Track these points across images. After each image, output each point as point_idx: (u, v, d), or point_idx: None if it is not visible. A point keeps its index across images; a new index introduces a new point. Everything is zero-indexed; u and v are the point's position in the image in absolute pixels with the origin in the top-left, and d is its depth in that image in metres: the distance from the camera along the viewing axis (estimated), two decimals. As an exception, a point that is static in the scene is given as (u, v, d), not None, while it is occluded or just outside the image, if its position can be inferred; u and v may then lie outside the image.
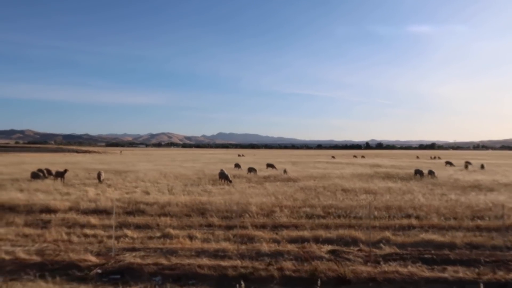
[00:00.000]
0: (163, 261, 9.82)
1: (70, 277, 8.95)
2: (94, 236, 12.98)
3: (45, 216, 16.19)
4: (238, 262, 9.72)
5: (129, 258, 10.15)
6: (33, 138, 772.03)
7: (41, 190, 23.17)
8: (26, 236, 13.03)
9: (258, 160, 71.86)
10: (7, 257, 10.25)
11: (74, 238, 12.58)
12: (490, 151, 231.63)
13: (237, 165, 44.17)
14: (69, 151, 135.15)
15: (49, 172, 31.65)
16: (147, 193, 22.23)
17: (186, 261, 9.84)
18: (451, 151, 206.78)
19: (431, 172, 33.74)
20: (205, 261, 9.80)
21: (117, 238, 12.71)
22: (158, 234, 13.15)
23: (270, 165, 43.96)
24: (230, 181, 27.83)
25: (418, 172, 33.65)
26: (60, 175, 28.49)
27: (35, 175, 28.85)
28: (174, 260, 9.91)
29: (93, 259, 10.02)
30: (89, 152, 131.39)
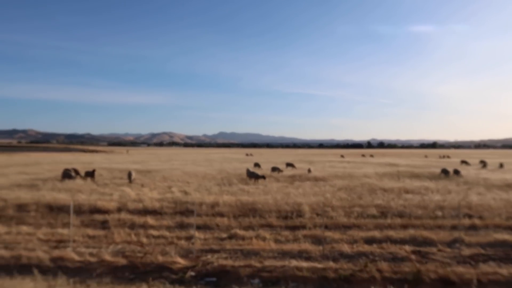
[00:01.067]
0: (255, 263, 9.70)
1: (166, 279, 8.81)
2: (162, 237, 12.88)
3: (98, 217, 16.09)
4: (331, 264, 9.60)
5: (215, 260, 10.03)
6: (35, 137, 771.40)
7: (78, 190, 23.07)
8: (91, 237, 12.94)
9: (270, 159, 71.66)
10: (92, 259, 10.14)
11: (143, 239, 12.47)
12: (493, 150, 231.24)
13: (257, 165, 44.05)
14: (76, 150, 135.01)
15: (76, 172, 31.50)
16: (186, 193, 22.09)
17: (278, 263, 9.72)
18: (455, 150, 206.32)
19: (456, 172, 33.63)
20: (301, 263, 9.67)
21: (187, 239, 12.62)
22: (225, 235, 13.03)
23: (289, 164, 43.82)
24: (264, 178, 27.84)
25: (444, 171, 33.50)
26: (90, 175, 28.37)
27: (66, 175, 28.70)
28: (266, 262, 9.79)
29: (182, 261, 9.91)
30: (96, 151, 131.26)
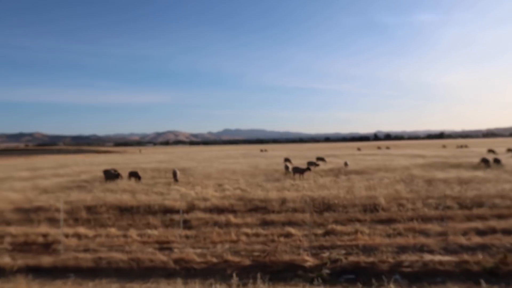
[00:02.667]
0: (388, 259, 9.48)
1: (301, 278, 8.61)
2: (256, 235, 12.68)
3: (175, 216, 15.93)
4: (466, 257, 9.38)
5: (342, 256, 9.83)
6: (42, 140, 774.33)
7: (131, 190, 22.96)
8: (185, 237, 12.74)
9: (288, 154, 71.11)
10: (214, 259, 9.97)
11: (243, 238, 12.30)
12: (503, 139, 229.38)
13: (287, 160, 43.77)
14: (89, 151, 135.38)
15: (116, 173, 31.44)
16: (242, 190, 21.88)
17: (412, 257, 9.51)
18: (464, 140, 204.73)
19: (497, 160, 33.27)
20: (435, 257, 9.45)
21: (284, 236, 12.44)
22: (320, 231, 12.82)
23: (320, 159, 43.53)
24: (309, 169, 27.70)
25: (484, 161, 33.08)
26: (135, 175, 28.24)
27: (111, 176, 28.63)
28: (399, 257, 9.57)
29: (310, 259, 9.71)
30: (110, 152, 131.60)
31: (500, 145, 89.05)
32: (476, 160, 39.00)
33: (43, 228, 14.21)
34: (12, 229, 14.24)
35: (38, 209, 18.03)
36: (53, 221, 15.78)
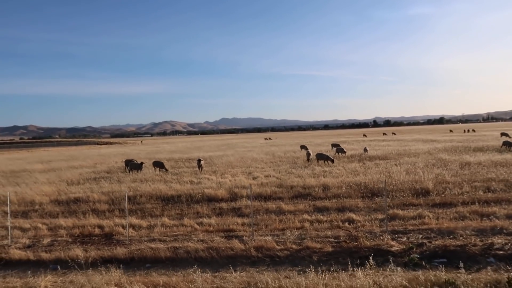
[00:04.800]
0: (477, 241, 9.28)
1: (394, 263, 8.37)
2: (319, 221, 12.46)
3: (221, 205, 15.72)
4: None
5: (425, 240, 9.65)
6: (37, 133, 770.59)
7: (162, 180, 22.70)
8: (247, 225, 12.43)
9: (295, 142, 70.55)
10: (294, 246, 9.75)
11: (306, 224, 12.09)
12: (506, 122, 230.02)
13: (304, 147, 43.49)
14: (90, 143, 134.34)
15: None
16: (277, 177, 21.61)
17: (500, 240, 9.33)
18: (464, 125, 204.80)
19: (518, 143, 33.12)
20: None
21: (347, 222, 12.24)
22: (381, 216, 12.59)
23: (335, 145, 43.32)
24: (333, 161, 27.25)
25: (508, 144, 32.90)
26: (160, 166, 27.92)
27: (134, 166, 28.33)
28: (488, 240, 9.39)
29: (394, 243, 9.51)
30: (111, 143, 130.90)
31: (508, 128, 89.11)
32: (494, 143, 38.96)
33: (93, 220, 13.91)
34: (62, 221, 13.96)
35: (77, 201, 17.76)
36: (98, 212, 15.53)
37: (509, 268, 7.89)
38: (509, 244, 8.99)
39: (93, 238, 12.03)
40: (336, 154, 33.35)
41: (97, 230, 12.67)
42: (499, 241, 9.27)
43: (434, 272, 7.56)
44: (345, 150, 34.28)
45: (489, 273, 7.55)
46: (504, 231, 10.19)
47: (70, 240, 11.89)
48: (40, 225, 13.62)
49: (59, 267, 9.36)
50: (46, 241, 11.85)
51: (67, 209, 16.40)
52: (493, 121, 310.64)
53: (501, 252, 8.70)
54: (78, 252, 10.02)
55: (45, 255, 10.17)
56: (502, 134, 53.03)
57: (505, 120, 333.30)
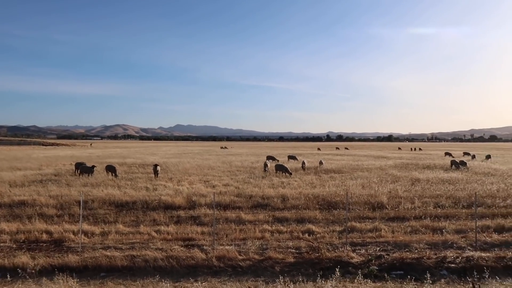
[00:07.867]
0: (430, 254, 9.67)
1: (352, 275, 8.55)
2: (279, 231, 12.47)
3: (179, 213, 15.29)
4: (501, 253, 9.80)
5: (383, 253, 9.91)
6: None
7: (115, 185, 21.76)
8: (207, 234, 12.19)
9: (250, 152, 70.77)
10: (256, 257, 9.62)
11: (267, 235, 12.04)
12: (448, 143, 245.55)
13: (271, 158, 43.36)
14: (34, 144, 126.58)
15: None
16: (236, 187, 21.47)
17: (453, 254, 9.77)
18: (411, 143, 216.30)
19: (463, 163, 35.18)
20: (477, 253, 9.78)
21: (308, 233, 12.35)
22: (339, 228, 12.86)
23: (291, 157, 43.95)
24: (290, 174, 27.50)
25: (455, 163, 34.77)
26: (111, 170, 26.82)
27: (86, 169, 26.96)
28: (441, 253, 9.81)
29: (354, 255, 9.67)
30: (57, 144, 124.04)
31: (450, 148, 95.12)
32: (440, 162, 41.38)
33: (41, 225, 12.97)
34: (4, 226, 12.88)
35: (21, 204, 16.54)
36: (46, 217, 14.52)
37: (460, 279, 8.30)
38: (460, 258, 9.48)
39: (41, 244, 11.19)
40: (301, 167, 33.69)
41: (45, 236, 11.82)
42: (451, 254, 9.74)
43: (400, 285, 7.79)
44: (305, 163, 34.66)
45: (443, 286, 7.89)
46: (455, 245, 10.76)
47: (14, 246, 10.97)
48: (-23, 229, 12.51)
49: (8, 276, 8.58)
50: (-15, 247, 10.89)
51: (9, 213, 15.19)
52: (436, 141, 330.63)
53: (453, 265, 9.14)
54: (24, 259, 9.26)
55: (-16, 263, 9.31)
56: (446, 153, 56.54)
57: (447, 140, 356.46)
